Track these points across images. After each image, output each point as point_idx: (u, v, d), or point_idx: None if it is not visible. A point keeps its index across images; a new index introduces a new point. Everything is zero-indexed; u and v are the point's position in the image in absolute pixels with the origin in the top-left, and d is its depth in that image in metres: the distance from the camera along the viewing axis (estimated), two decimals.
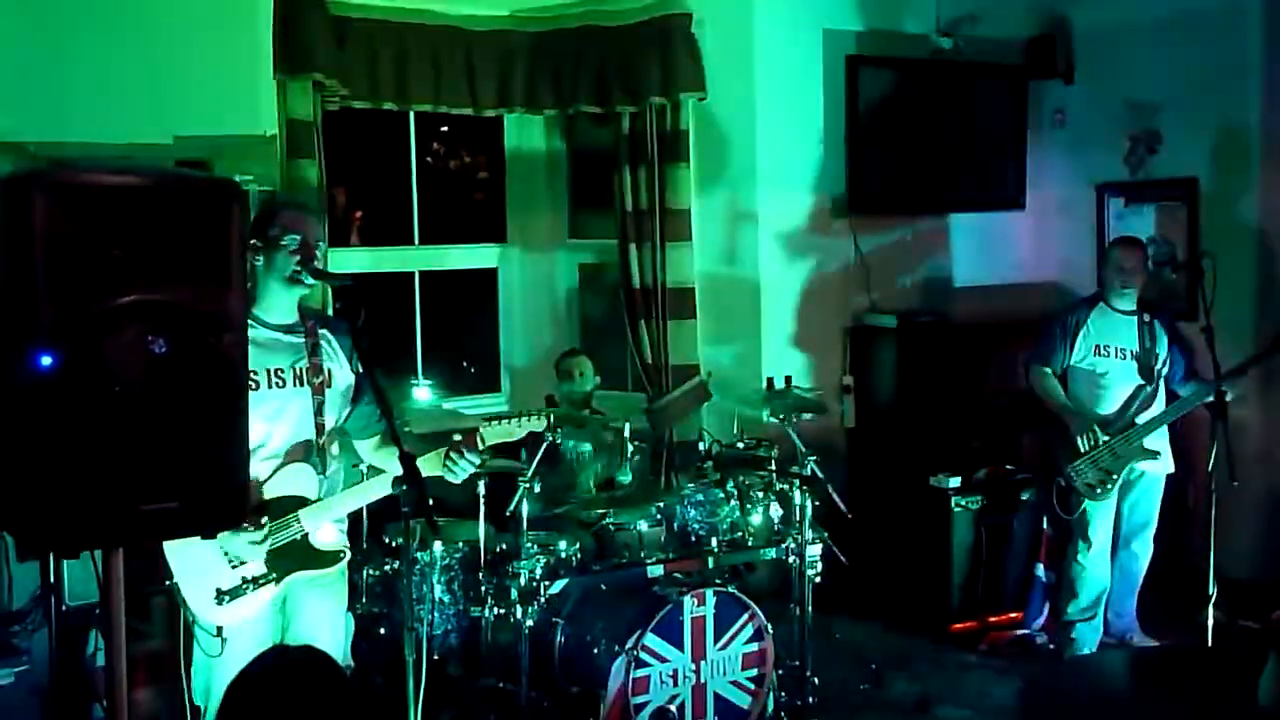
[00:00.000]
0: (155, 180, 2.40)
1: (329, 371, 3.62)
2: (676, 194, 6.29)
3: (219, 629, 3.42)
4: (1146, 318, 5.40)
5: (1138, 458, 5.36)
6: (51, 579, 4.09)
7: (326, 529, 3.64)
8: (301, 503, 3.57)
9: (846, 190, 6.60)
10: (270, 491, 3.52)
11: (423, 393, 5.87)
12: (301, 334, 3.60)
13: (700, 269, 6.42)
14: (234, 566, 3.47)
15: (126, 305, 2.26)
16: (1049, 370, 5.51)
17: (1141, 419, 5.32)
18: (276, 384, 3.53)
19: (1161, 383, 5.40)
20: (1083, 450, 5.31)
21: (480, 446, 3.65)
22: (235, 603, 3.46)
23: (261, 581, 3.51)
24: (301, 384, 3.57)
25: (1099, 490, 5.36)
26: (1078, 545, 5.46)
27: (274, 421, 3.53)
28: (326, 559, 3.64)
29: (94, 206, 2.26)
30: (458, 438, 3.65)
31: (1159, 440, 5.40)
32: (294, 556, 3.56)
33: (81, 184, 2.28)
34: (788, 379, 5.43)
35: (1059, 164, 7.17)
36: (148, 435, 2.26)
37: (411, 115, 6.54)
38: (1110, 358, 5.41)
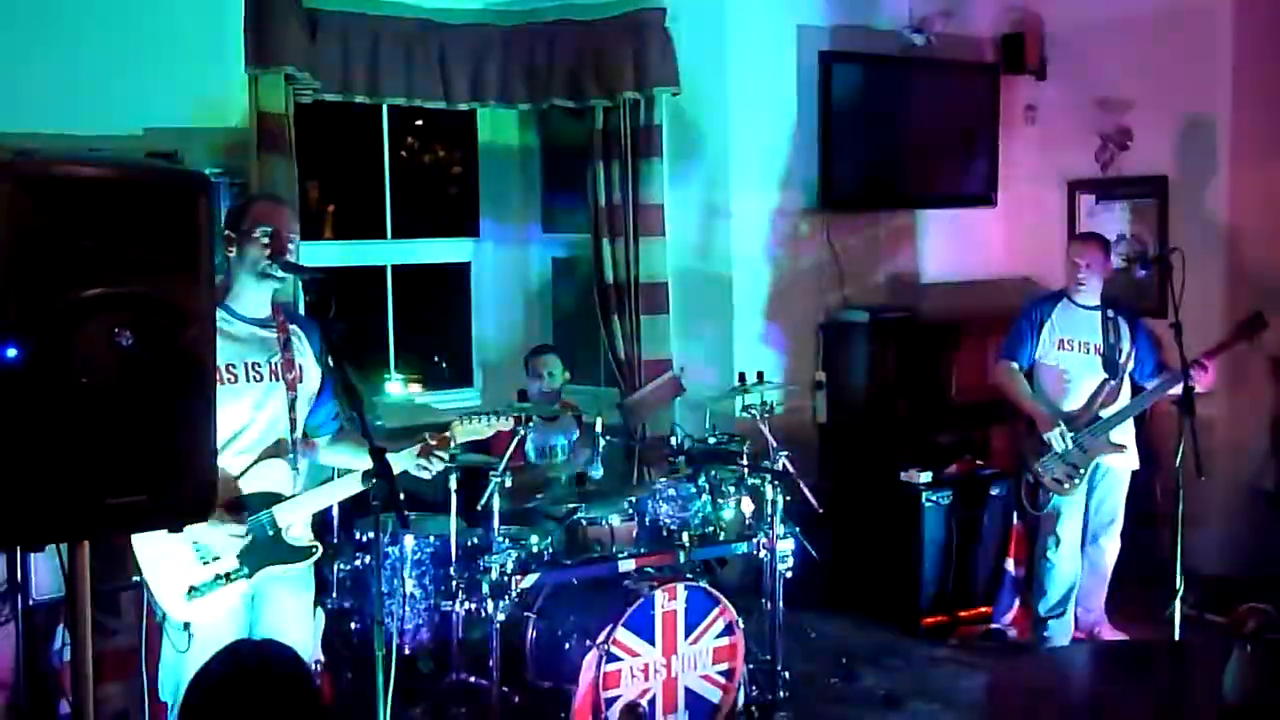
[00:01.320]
0: (123, 172, 2.38)
1: (300, 367, 3.62)
2: (650, 188, 6.28)
3: (186, 624, 3.41)
4: (1110, 313, 5.44)
5: (1104, 451, 5.40)
6: (18, 573, 4.05)
7: (298, 524, 3.64)
8: (276, 498, 3.58)
9: (819, 185, 6.61)
10: (245, 487, 3.52)
11: (395, 387, 5.86)
12: (274, 329, 3.60)
13: (673, 264, 6.41)
14: (206, 563, 3.47)
15: (94, 297, 2.24)
16: (1016, 365, 5.54)
17: (1106, 413, 5.36)
18: (254, 378, 3.53)
19: (1126, 377, 5.44)
20: (1054, 445, 5.34)
21: (452, 445, 3.69)
22: (205, 598, 3.46)
23: (234, 577, 3.50)
24: (277, 379, 3.57)
25: (1067, 485, 5.38)
26: (1048, 541, 5.49)
27: (250, 416, 3.53)
28: (298, 554, 3.65)
29: (61, 198, 2.24)
30: (429, 437, 3.66)
31: (1124, 435, 5.44)
32: (267, 552, 3.56)
33: (49, 175, 2.25)
34: (760, 374, 5.43)
35: (1030, 160, 7.21)
36: (115, 428, 2.24)
37: (384, 109, 6.51)
38: (1074, 352, 5.44)
